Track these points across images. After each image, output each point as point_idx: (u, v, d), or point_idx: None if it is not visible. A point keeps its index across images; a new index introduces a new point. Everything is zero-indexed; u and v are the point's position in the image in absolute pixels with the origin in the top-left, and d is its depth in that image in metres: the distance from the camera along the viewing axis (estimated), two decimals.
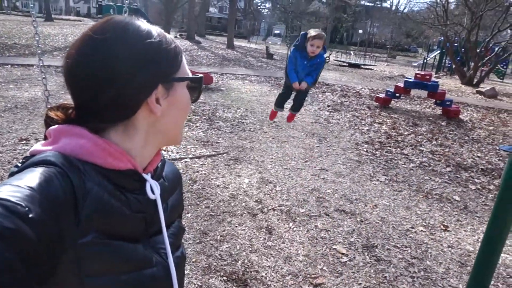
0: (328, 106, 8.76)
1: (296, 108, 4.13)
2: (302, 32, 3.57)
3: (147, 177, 0.67)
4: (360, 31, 48.32)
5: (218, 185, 3.91)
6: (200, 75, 0.72)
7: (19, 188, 0.47)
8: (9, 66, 9.18)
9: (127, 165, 0.62)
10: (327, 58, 3.95)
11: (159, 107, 0.64)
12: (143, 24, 0.64)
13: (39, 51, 1.92)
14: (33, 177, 0.50)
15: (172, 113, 0.67)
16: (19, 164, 0.57)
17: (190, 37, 25.12)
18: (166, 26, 23.11)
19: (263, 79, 12.12)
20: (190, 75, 0.70)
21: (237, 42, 26.46)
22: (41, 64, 1.88)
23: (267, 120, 6.85)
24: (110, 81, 0.58)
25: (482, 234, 3.43)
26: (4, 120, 5.18)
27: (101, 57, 0.58)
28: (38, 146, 0.61)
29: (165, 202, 0.73)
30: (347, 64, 21.38)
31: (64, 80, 0.63)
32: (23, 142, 4.47)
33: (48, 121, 0.65)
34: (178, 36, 27.28)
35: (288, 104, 4.31)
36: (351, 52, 28.86)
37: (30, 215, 0.44)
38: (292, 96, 4.15)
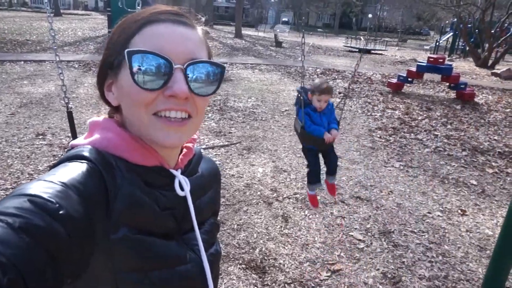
0: (339, 93, 8.67)
1: (333, 170, 3.12)
2: (299, 88, 2.88)
3: (176, 173, 0.65)
4: (370, 15, 47.38)
5: (232, 175, 3.94)
6: (137, 48, 0.56)
7: (51, 184, 0.47)
8: (22, 62, 9.30)
9: (153, 161, 0.61)
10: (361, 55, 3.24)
11: (111, 95, 0.61)
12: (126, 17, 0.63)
13: (55, 47, 1.93)
14: (65, 172, 0.51)
15: (124, 102, 0.60)
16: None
17: None
18: None
19: (272, 67, 12.03)
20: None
21: (245, 31, 26.25)
22: (58, 60, 1.90)
23: (278, 109, 6.83)
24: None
25: (501, 218, 3.40)
26: (21, 115, 5.28)
27: None
28: (79, 139, 0.62)
29: (198, 198, 0.71)
30: (357, 50, 21.05)
31: None
32: (40, 137, 4.56)
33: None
34: None
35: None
36: (361, 38, 28.37)
37: (61, 212, 0.44)
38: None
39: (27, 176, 3.54)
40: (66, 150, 0.61)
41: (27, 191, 0.45)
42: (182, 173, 0.67)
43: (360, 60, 3.14)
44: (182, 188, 0.65)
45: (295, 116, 2.93)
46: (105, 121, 0.62)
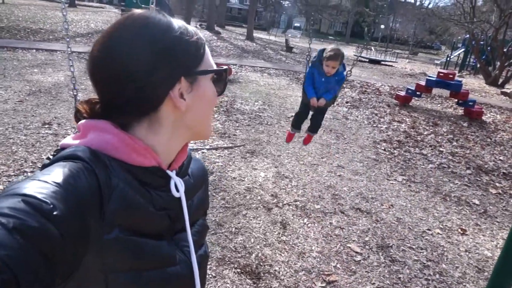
0: (347, 102, 8.66)
1: (313, 128, 3.73)
2: (319, 49, 3.36)
3: (172, 174, 0.66)
4: (382, 26, 47.31)
5: (234, 178, 3.93)
6: (225, 67, 0.70)
7: (45, 184, 0.47)
8: (34, 50, 9.38)
9: (152, 162, 0.62)
10: (348, 73, 3.45)
11: (183, 101, 0.63)
12: (163, 18, 0.62)
13: (68, 39, 1.95)
14: (60, 172, 0.51)
15: (198, 107, 0.66)
16: (51, 157, 0.58)
17: (210, 28, 25.10)
18: (187, 16, 23.09)
19: (281, 72, 12.04)
20: (214, 67, 0.68)
21: (256, 34, 26.32)
22: (69, 51, 1.91)
23: (284, 114, 6.83)
24: (131, 76, 0.58)
25: (502, 240, 3.37)
26: (29, 103, 5.32)
27: (121, 53, 0.58)
28: (68, 139, 0.62)
29: (190, 199, 0.73)
30: (367, 60, 21.02)
31: (88, 75, 0.63)
32: (46, 126, 4.59)
33: (78, 115, 0.66)
34: (198, 26, 27.32)
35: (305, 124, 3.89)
36: (372, 48, 28.32)
37: (55, 213, 0.44)
38: (309, 117, 3.77)
39: (31, 164, 3.56)
40: (56, 149, 0.61)
41: (21, 191, 0.45)
42: (176, 175, 0.68)
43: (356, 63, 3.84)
44: (177, 189, 0.66)
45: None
46: (102, 123, 0.62)
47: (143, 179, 0.61)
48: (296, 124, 3.81)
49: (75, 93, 1.93)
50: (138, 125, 0.62)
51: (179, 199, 0.67)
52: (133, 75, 0.58)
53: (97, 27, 15.95)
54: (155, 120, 0.62)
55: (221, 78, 0.69)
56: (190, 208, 0.71)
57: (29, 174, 3.38)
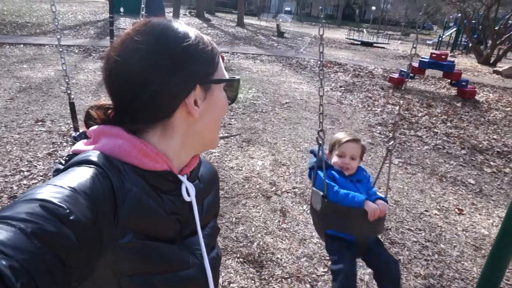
0: (341, 86, 8.64)
1: (392, 277, 1.80)
2: (311, 149, 2.02)
3: (183, 178, 0.67)
4: (373, 7, 46.95)
5: (231, 167, 3.94)
6: (238, 77, 0.72)
7: (61, 189, 0.48)
8: (22, 45, 9.19)
9: (163, 166, 0.62)
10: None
11: (197, 109, 0.64)
12: (180, 26, 0.64)
13: (58, 36, 1.91)
14: (74, 177, 0.51)
15: (209, 115, 0.67)
16: (63, 162, 0.59)
17: (199, 15, 24.76)
18: (176, 3, 22.75)
19: (274, 58, 11.95)
20: (227, 76, 0.70)
21: (247, 20, 26.00)
22: (60, 49, 1.88)
23: (279, 101, 6.81)
24: (147, 82, 0.59)
25: (498, 218, 3.43)
26: (20, 101, 5.24)
27: (139, 59, 0.59)
28: (80, 145, 0.62)
29: (200, 203, 0.73)
30: (359, 43, 20.91)
31: (103, 80, 0.63)
32: (39, 123, 4.53)
33: (89, 121, 0.66)
34: (187, 13, 26.90)
35: None
36: (364, 30, 28.15)
37: (71, 217, 0.45)
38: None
39: (26, 163, 3.53)
40: (68, 155, 0.61)
41: (37, 196, 0.46)
42: (186, 179, 0.69)
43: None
44: (188, 194, 0.67)
45: (310, 189, 1.90)
46: (114, 129, 0.62)
47: (154, 183, 0.62)
48: None
49: (68, 92, 1.90)
50: (152, 131, 0.63)
51: (190, 203, 0.68)
52: (149, 81, 0.59)
53: (84, 18, 15.66)
54: (168, 127, 0.63)
55: (233, 88, 0.72)
56: (200, 211, 0.71)
57: (25, 173, 3.35)
